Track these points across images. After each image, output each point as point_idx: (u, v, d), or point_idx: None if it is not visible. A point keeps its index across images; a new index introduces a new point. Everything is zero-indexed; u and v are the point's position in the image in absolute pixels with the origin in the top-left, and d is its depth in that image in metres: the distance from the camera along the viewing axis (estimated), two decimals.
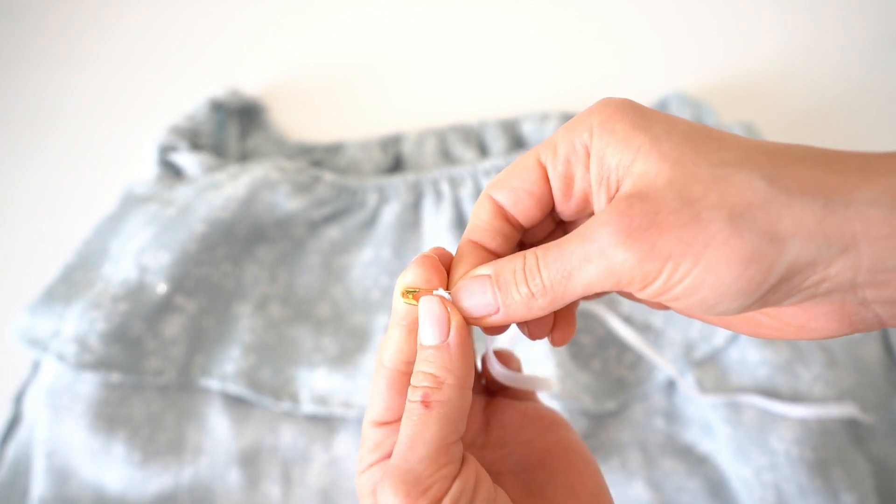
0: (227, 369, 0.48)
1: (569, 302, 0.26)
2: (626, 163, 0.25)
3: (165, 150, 0.56)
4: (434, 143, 0.60)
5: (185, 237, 0.48)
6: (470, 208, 0.54)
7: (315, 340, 0.50)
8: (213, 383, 0.48)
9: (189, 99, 0.62)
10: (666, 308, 0.28)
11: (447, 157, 0.60)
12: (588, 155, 0.26)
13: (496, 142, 0.60)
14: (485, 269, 0.27)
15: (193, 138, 0.58)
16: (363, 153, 0.60)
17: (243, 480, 0.47)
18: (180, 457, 0.47)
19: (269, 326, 0.50)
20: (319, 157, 0.61)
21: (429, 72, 0.68)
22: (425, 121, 0.63)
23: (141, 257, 0.48)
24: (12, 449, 0.49)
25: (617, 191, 0.26)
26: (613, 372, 0.48)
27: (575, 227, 0.27)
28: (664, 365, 0.47)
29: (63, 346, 0.46)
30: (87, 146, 0.65)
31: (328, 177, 0.55)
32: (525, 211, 0.28)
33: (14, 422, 0.51)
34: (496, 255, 0.28)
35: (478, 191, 0.55)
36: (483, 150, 0.61)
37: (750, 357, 0.47)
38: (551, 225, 0.30)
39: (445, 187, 0.55)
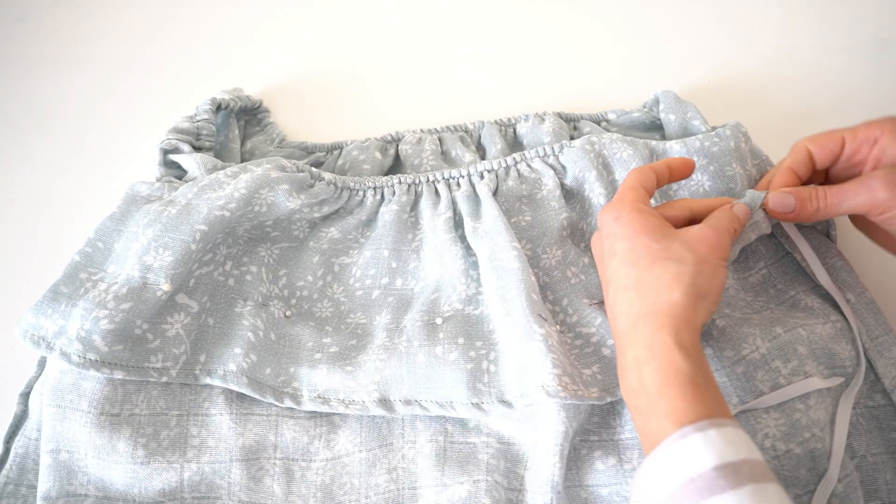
0: (229, 368, 0.49)
1: (833, 216, 0.49)
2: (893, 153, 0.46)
3: (167, 151, 0.57)
4: (432, 144, 0.61)
5: (186, 236, 0.49)
6: (466, 209, 0.54)
7: (316, 339, 0.51)
8: (215, 381, 0.49)
9: (190, 100, 0.62)
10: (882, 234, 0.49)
11: (446, 157, 0.61)
12: (874, 143, 0.48)
13: (494, 143, 0.60)
14: (788, 189, 0.48)
15: (195, 139, 0.58)
16: (363, 153, 0.60)
17: (245, 477, 0.48)
18: (183, 454, 0.48)
19: (270, 325, 0.51)
20: (320, 158, 0.62)
21: (427, 73, 0.68)
22: (424, 121, 0.64)
23: (144, 257, 0.49)
24: (20, 445, 0.50)
25: (877, 165, 0.47)
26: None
27: (835, 180, 0.50)
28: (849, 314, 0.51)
29: (67, 344, 0.46)
30: (88, 146, 0.66)
31: (328, 176, 0.56)
32: (823, 158, 0.49)
33: (21, 419, 0.51)
34: (799, 178, 0.50)
35: (473, 192, 0.56)
36: (481, 151, 0.62)
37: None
38: (822, 177, 0.52)
39: (443, 188, 0.56)
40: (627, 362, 0.41)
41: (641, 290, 0.42)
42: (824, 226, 0.55)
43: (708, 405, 0.38)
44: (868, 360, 0.51)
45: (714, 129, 0.58)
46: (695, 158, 0.55)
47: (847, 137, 0.48)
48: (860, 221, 0.52)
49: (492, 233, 0.52)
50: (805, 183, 0.51)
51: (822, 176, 0.52)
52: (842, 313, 0.52)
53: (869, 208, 0.46)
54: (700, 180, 0.55)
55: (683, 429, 0.37)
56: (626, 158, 0.55)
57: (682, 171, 0.49)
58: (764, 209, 0.50)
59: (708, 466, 0.35)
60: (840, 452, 0.46)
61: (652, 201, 0.53)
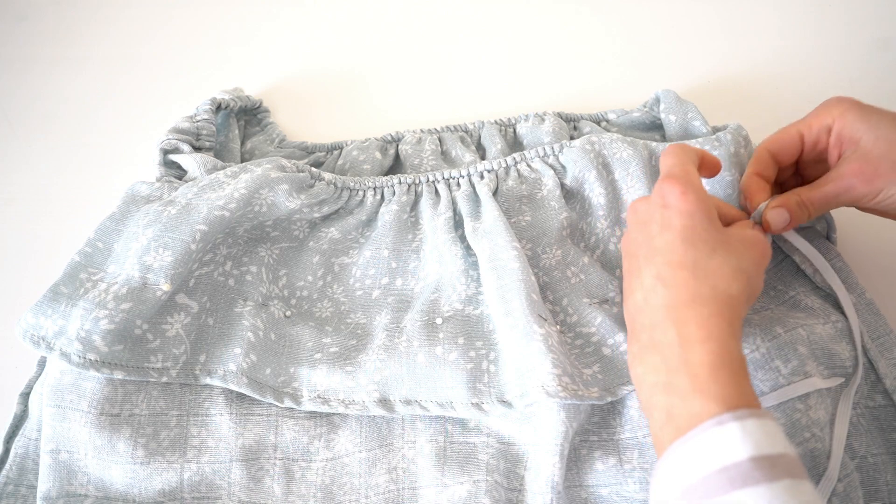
0: (229, 368, 0.49)
1: (824, 213, 0.50)
2: (855, 138, 0.47)
3: (167, 151, 0.57)
4: (432, 144, 0.61)
5: (186, 236, 0.49)
6: (466, 209, 0.55)
7: (316, 339, 0.51)
8: (215, 381, 0.49)
9: (190, 100, 0.62)
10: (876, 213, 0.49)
11: (446, 157, 0.61)
12: (829, 131, 0.48)
13: (494, 143, 0.60)
14: (777, 202, 0.48)
15: (195, 139, 0.58)
16: (363, 153, 0.60)
17: (245, 478, 0.48)
18: (183, 454, 0.48)
19: (270, 325, 0.51)
20: (320, 158, 0.62)
21: (427, 73, 0.68)
22: (424, 121, 0.64)
23: (143, 257, 0.49)
24: (20, 445, 0.50)
25: (840, 152, 0.48)
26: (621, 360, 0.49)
27: (808, 168, 0.52)
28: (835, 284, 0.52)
29: (67, 345, 0.46)
30: (88, 147, 0.66)
31: (328, 176, 0.56)
32: (784, 157, 0.51)
33: (21, 419, 0.51)
34: (768, 182, 0.50)
35: (473, 192, 0.56)
36: (481, 151, 0.62)
37: None
38: (792, 169, 0.53)
39: (443, 188, 0.56)
40: (666, 337, 0.39)
41: (700, 272, 0.40)
42: (824, 227, 0.55)
43: (750, 397, 0.37)
44: (869, 361, 0.51)
45: (715, 130, 0.58)
46: None
47: (804, 131, 0.50)
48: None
49: (492, 233, 0.52)
50: (779, 185, 0.52)
51: (791, 169, 0.53)
52: (843, 313, 0.52)
53: (853, 203, 0.48)
54: None
55: (721, 416, 0.36)
56: (626, 158, 0.55)
57: (711, 169, 0.48)
58: (763, 223, 0.50)
59: (744, 456, 0.34)
60: (839, 452, 0.46)
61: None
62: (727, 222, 0.47)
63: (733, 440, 0.35)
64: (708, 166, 0.48)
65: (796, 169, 0.53)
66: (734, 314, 0.40)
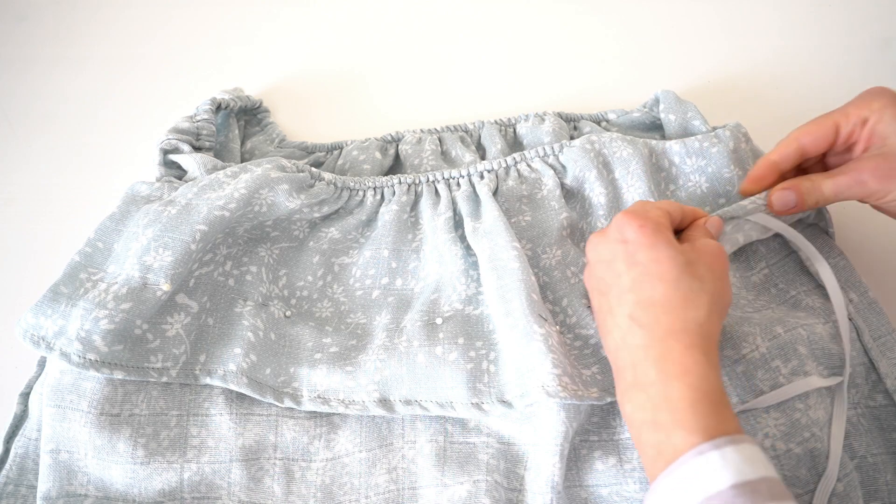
0: (229, 368, 0.49)
1: (830, 203, 0.50)
2: (885, 135, 0.47)
3: (167, 151, 0.57)
4: (432, 144, 0.61)
5: (186, 236, 0.49)
6: (466, 209, 0.54)
7: (316, 339, 0.51)
8: (215, 381, 0.49)
9: (190, 100, 0.62)
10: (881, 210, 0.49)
11: (446, 157, 0.61)
12: (864, 124, 0.48)
13: (494, 143, 0.60)
14: (786, 185, 0.50)
15: (195, 139, 0.58)
16: (363, 153, 0.60)
17: (245, 478, 0.48)
18: (183, 454, 0.48)
19: (270, 325, 0.51)
20: (320, 158, 0.62)
21: (428, 73, 0.68)
22: (424, 121, 0.64)
23: (143, 257, 0.49)
24: (20, 445, 0.50)
25: (867, 148, 0.48)
26: None
27: (831, 159, 0.52)
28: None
29: (67, 345, 0.46)
30: (88, 146, 0.66)
31: (328, 176, 0.56)
32: (817, 147, 0.50)
33: (21, 419, 0.51)
34: (780, 170, 0.51)
35: (473, 192, 0.56)
36: (481, 151, 0.62)
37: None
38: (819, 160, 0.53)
39: (443, 188, 0.56)
40: (647, 376, 0.41)
41: (669, 306, 0.41)
42: (823, 224, 0.55)
43: (730, 424, 0.38)
44: (870, 361, 0.51)
45: (714, 129, 0.58)
46: (694, 159, 0.55)
47: (841, 122, 0.49)
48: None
49: (492, 233, 0.52)
50: (802, 169, 0.52)
51: (818, 159, 0.53)
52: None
53: (863, 198, 0.48)
54: (698, 181, 0.55)
55: (700, 446, 0.37)
56: (626, 157, 0.55)
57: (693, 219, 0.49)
58: (767, 209, 0.51)
59: (726, 485, 0.35)
60: (838, 451, 0.46)
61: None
62: (685, 226, 0.48)
63: (714, 469, 0.36)
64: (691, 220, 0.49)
65: (822, 157, 0.53)
66: (708, 341, 0.41)
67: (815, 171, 0.52)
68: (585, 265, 0.49)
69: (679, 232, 0.48)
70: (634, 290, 0.43)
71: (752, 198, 0.51)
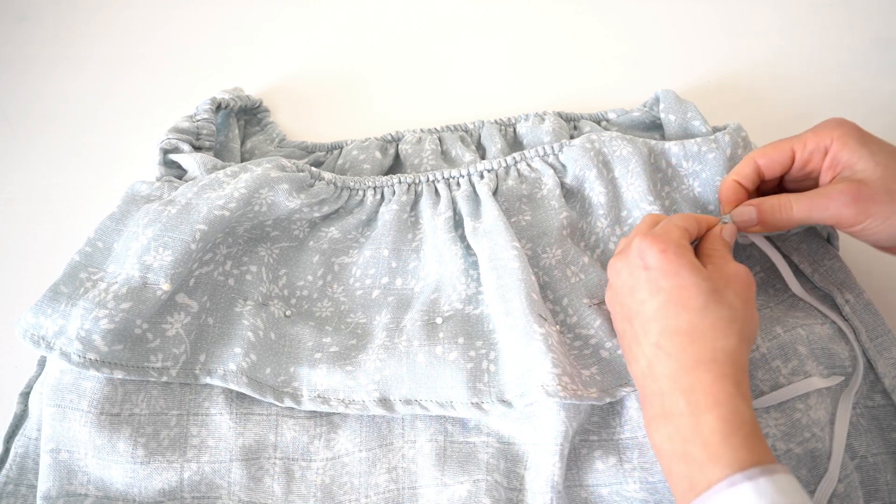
0: (229, 367, 0.49)
1: (801, 225, 0.49)
2: (853, 162, 0.46)
3: (167, 150, 0.57)
4: (432, 144, 0.61)
5: (186, 236, 0.49)
6: (466, 209, 0.55)
7: (316, 339, 0.51)
8: (215, 381, 0.49)
9: (190, 100, 0.62)
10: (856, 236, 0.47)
11: (446, 157, 0.61)
12: (825, 153, 0.47)
13: (494, 142, 0.60)
14: (751, 202, 0.48)
15: (195, 139, 0.58)
16: (363, 153, 0.60)
17: (245, 477, 0.48)
18: (183, 454, 0.48)
19: (270, 325, 0.51)
20: (320, 158, 0.62)
21: (427, 73, 0.68)
22: (424, 121, 0.64)
23: (143, 256, 0.49)
24: (20, 445, 0.50)
25: (835, 176, 0.47)
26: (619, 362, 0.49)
27: (792, 185, 0.51)
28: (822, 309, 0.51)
29: (67, 344, 0.46)
30: (88, 146, 0.66)
31: (328, 176, 0.56)
32: (772, 171, 0.49)
33: (21, 419, 0.51)
34: (746, 190, 0.49)
35: (473, 192, 0.56)
36: (481, 151, 0.62)
37: None
38: (775, 183, 0.51)
39: (443, 188, 0.56)
40: (676, 406, 0.40)
41: (696, 335, 0.40)
42: (825, 230, 0.55)
43: (764, 456, 0.37)
44: (868, 361, 0.51)
45: (715, 130, 0.58)
46: (690, 162, 0.55)
47: (797, 149, 0.48)
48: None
49: (492, 232, 0.52)
50: (758, 191, 0.51)
51: (775, 183, 0.52)
52: (840, 314, 0.52)
53: (836, 223, 0.47)
54: (691, 185, 0.55)
55: (733, 476, 0.36)
56: (626, 156, 0.55)
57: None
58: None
59: None
60: (840, 452, 0.46)
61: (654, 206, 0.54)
62: (701, 235, 0.47)
63: (747, 501, 0.35)
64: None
65: (779, 183, 0.52)
66: (738, 370, 0.40)
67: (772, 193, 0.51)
68: (608, 285, 0.48)
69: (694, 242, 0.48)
70: (659, 319, 0.42)
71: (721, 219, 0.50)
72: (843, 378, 0.49)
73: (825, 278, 0.53)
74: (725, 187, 0.50)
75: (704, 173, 0.55)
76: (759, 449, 0.38)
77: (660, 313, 0.42)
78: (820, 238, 0.55)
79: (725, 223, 0.48)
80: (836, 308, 0.52)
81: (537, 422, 0.47)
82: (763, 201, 0.48)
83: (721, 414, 0.38)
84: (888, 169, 0.45)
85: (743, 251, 0.55)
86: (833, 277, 0.53)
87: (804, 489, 0.38)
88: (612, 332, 0.50)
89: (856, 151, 0.46)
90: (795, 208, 0.47)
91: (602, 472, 0.47)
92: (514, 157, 0.57)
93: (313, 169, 0.56)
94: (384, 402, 0.48)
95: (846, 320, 0.52)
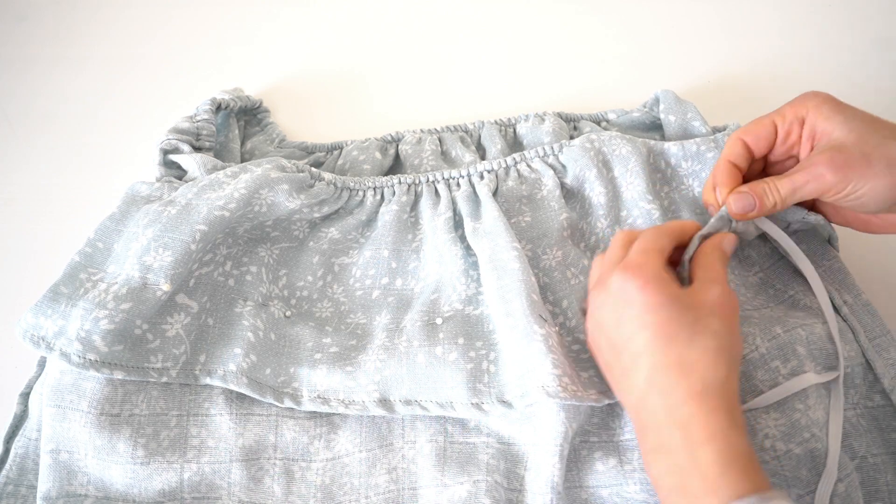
0: (229, 368, 0.49)
1: (790, 205, 0.48)
2: (829, 130, 0.47)
3: (167, 151, 0.57)
4: (432, 144, 0.61)
5: (186, 236, 0.49)
6: (466, 209, 0.54)
7: (316, 340, 0.51)
8: (215, 382, 0.49)
9: (190, 100, 0.62)
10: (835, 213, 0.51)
11: (446, 157, 0.61)
12: (803, 123, 0.48)
13: (494, 143, 0.60)
14: (744, 188, 0.48)
15: (195, 139, 0.58)
16: (363, 153, 0.60)
17: (245, 478, 0.48)
18: (183, 454, 0.48)
19: (270, 325, 0.51)
20: (320, 158, 0.62)
21: (427, 73, 0.68)
22: (424, 121, 0.64)
23: (143, 257, 0.49)
24: (20, 445, 0.50)
25: (813, 145, 0.48)
26: None
27: (776, 166, 0.51)
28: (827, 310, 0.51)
29: (67, 345, 0.46)
30: (88, 146, 0.66)
31: (328, 176, 0.56)
32: (759, 147, 0.50)
33: (21, 419, 0.51)
34: (741, 170, 0.50)
35: (473, 193, 0.56)
36: (481, 151, 0.62)
37: None
38: (761, 165, 0.52)
39: (443, 188, 0.56)
40: (672, 441, 0.40)
41: (686, 368, 0.40)
42: (826, 231, 0.55)
43: (758, 482, 0.38)
44: (867, 361, 0.51)
45: (715, 130, 0.58)
46: (689, 162, 0.55)
47: (777, 121, 0.49)
48: (820, 207, 0.52)
49: (492, 233, 0.52)
50: (744, 178, 0.51)
51: (761, 163, 0.52)
52: (838, 313, 0.52)
53: (821, 193, 0.47)
54: (690, 185, 0.55)
55: None
56: (625, 155, 0.55)
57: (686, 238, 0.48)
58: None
59: None
60: (837, 447, 0.46)
61: (652, 204, 0.53)
62: (684, 242, 0.47)
63: None
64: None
65: (764, 165, 0.52)
66: (729, 400, 0.40)
67: (756, 179, 0.51)
68: (587, 315, 0.47)
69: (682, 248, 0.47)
70: (648, 354, 0.41)
71: (720, 212, 0.49)
72: (837, 373, 0.49)
73: (824, 279, 0.53)
74: (721, 170, 0.50)
75: (704, 173, 0.55)
76: (755, 477, 0.38)
77: (648, 349, 0.41)
78: (819, 239, 0.55)
79: (716, 233, 0.48)
80: (834, 308, 0.52)
81: (537, 422, 0.47)
82: (754, 186, 0.48)
83: (717, 447, 0.38)
84: (862, 134, 0.46)
85: (741, 251, 0.55)
86: (832, 278, 0.53)
87: None
88: None
89: (830, 119, 0.47)
90: (781, 188, 0.47)
91: (602, 474, 0.47)
92: (514, 158, 0.57)
93: (313, 169, 0.56)
94: (384, 402, 0.48)
95: (845, 321, 0.52)
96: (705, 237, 0.48)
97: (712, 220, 0.49)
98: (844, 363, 0.50)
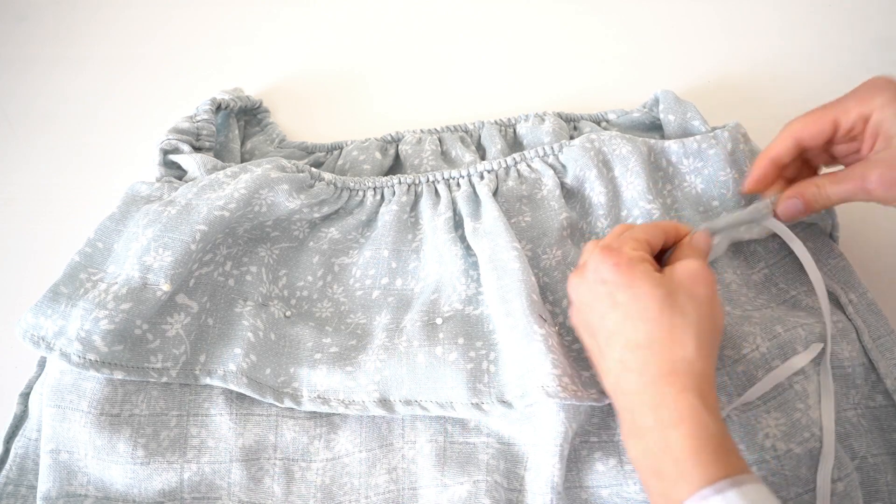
0: (228, 368, 0.49)
1: (836, 205, 0.49)
2: (891, 134, 0.45)
3: (167, 151, 0.57)
4: (432, 144, 0.61)
5: (186, 237, 0.49)
6: (466, 209, 0.54)
7: (316, 340, 0.51)
8: (215, 382, 0.49)
9: (190, 100, 0.62)
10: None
11: (446, 157, 0.61)
12: (867, 120, 0.46)
13: (494, 143, 0.60)
14: (793, 192, 0.48)
15: (195, 139, 0.58)
16: (363, 153, 0.60)
17: (245, 478, 0.48)
18: (183, 454, 0.48)
19: (270, 325, 0.51)
20: (320, 158, 0.62)
21: (428, 73, 0.68)
22: (424, 122, 0.64)
23: (143, 257, 0.49)
24: (20, 446, 0.50)
25: (874, 145, 0.46)
26: None
27: (839, 153, 0.49)
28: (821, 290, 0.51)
29: (67, 345, 0.46)
30: (88, 146, 0.66)
31: (328, 176, 0.56)
32: (815, 142, 0.48)
33: (21, 419, 0.51)
34: (782, 164, 0.49)
35: (473, 193, 0.56)
36: (481, 151, 0.62)
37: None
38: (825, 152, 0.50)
39: (443, 188, 0.56)
40: (645, 423, 0.39)
41: (656, 347, 0.40)
42: (827, 225, 0.55)
43: (731, 465, 0.37)
44: (870, 361, 0.51)
45: (714, 129, 0.58)
46: (691, 160, 0.55)
47: (840, 118, 0.47)
48: None
49: (492, 233, 0.52)
50: (803, 160, 0.51)
51: (823, 149, 0.50)
52: (843, 312, 0.52)
53: (866, 199, 0.47)
54: (693, 182, 0.55)
55: (702, 490, 0.36)
56: (625, 154, 0.55)
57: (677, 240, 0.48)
58: (774, 213, 0.50)
59: None
60: (831, 427, 0.46)
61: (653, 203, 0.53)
62: (671, 244, 0.47)
63: None
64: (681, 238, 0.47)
65: (825, 147, 0.50)
66: (700, 380, 0.39)
67: (818, 161, 0.51)
68: (569, 303, 0.47)
69: (666, 252, 0.47)
70: (619, 333, 0.41)
71: (755, 205, 0.50)
72: (822, 345, 0.49)
73: (829, 277, 0.53)
74: (760, 165, 0.49)
75: (706, 170, 0.55)
76: (728, 460, 0.37)
77: (620, 327, 0.41)
78: (823, 236, 0.55)
79: (767, 210, 0.49)
80: (839, 307, 0.52)
81: (537, 422, 0.47)
82: (804, 191, 0.48)
83: (687, 430, 0.38)
84: None
85: (747, 246, 0.55)
86: (837, 277, 0.53)
87: (775, 496, 0.38)
88: None
89: (895, 122, 0.45)
90: (832, 193, 0.47)
91: (602, 474, 0.47)
92: (514, 158, 0.57)
93: (313, 169, 0.56)
94: (384, 402, 0.48)
95: (849, 320, 0.52)
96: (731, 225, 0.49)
97: (741, 212, 0.49)
98: (846, 363, 0.50)
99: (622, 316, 0.41)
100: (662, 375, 0.39)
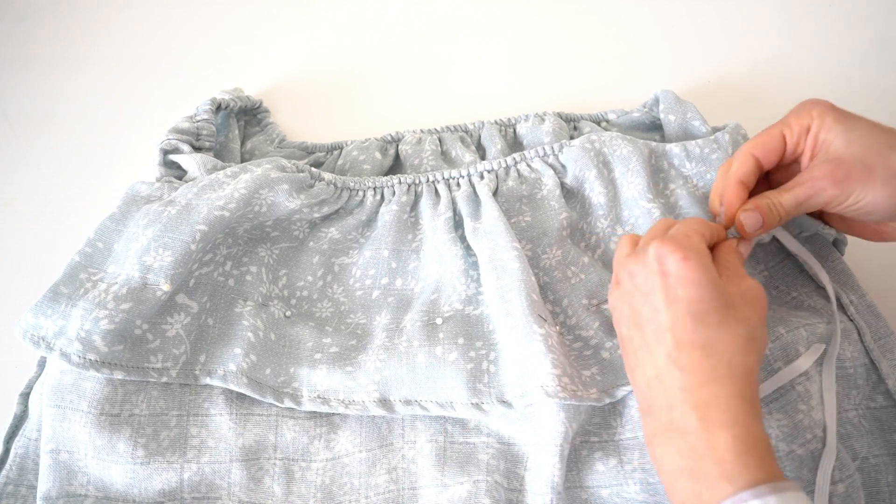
0: (229, 368, 0.49)
1: (793, 217, 0.48)
2: (829, 140, 0.46)
3: (167, 151, 0.57)
4: (432, 144, 0.61)
5: (186, 237, 0.49)
6: (466, 209, 0.54)
7: (316, 340, 0.51)
8: (215, 382, 0.49)
9: (190, 100, 0.62)
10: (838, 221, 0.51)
11: (446, 157, 0.61)
12: (808, 132, 0.48)
13: (494, 143, 0.60)
14: (749, 205, 0.47)
15: (195, 139, 0.58)
16: (363, 153, 0.60)
17: (245, 478, 0.48)
18: (183, 454, 0.48)
19: (270, 325, 0.51)
20: (320, 158, 0.62)
21: (428, 73, 0.68)
22: (424, 122, 0.64)
23: (143, 257, 0.49)
24: (20, 445, 0.50)
25: (813, 154, 0.47)
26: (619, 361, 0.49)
27: (779, 172, 0.50)
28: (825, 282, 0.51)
29: (67, 345, 0.46)
30: (88, 146, 0.66)
31: (328, 176, 0.56)
32: (769, 161, 0.49)
33: (21, 419, 0.51)
34: (749, 186, 0.49)
35: (473, 193, 0.56)
36: (481, 151, 0.62)
37: None
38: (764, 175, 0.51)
39: (443, 188, 0.56)
40: (687, 422, 0.39)
41: (712, 350, 0.40)
42: (831, 234, 0.55)
43: (772, 471, 0.37)
44: (871, 362, 0.51)
45: (714, 130, 0.58)
46: (693, 163, 0.55)
47: (786, 133, 0.48)
48: (829, 218, 0.52)
49: (492, 233, 0.52)
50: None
51: (763, 177, 0.51)
52: (845, 313, 0.52)
53: (823, 205, 0.46)
54: (696, 186, 0.56)
55: (741, 493, 0.36)
56: (626, 155, 0.55)
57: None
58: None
59: None
60: (833, 424, 0.46)
61: (650, 206, 0.53)
62: (713, 243, 0.47)
63: None
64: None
65: (767, 174, 0.51)
66: (751, 388, 0.39)
67: (760, 189, 0.50)
68: (612, 285, 0.47)
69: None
70: (674, 329, 0.40)
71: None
72: (824, 346, 0.49)
73: (829, 278, 0.53)
74: (732, 190, 0.49)
75: (709, 174, 0.55)
76: (771, 467, 0.38)
77: (675, 324, 0.40)
78: (824, 240, 0.55)
79: (734, 237, 0.48)
80: (841, 308, 0.52)
81: (537, 422, 0.47)
82: (759, 203, 0.47)
83: (736, 433, 0.38)
84: (864, 145, 0.45)
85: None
86: (837, 278, 0.53)
87: (810, 501, 0.37)
88: (612, 333, 0.49)
89: (832, 129, 0.46)
90: (785, 203, 0.47)
91: (602, 474, 0.47)
92: (514, 158, 0.57)
93: (313, 169, 0.56)
94: (384, 402, 0.48)
95: (851, 320, 0.52)
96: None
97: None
98: (847, 364, 0.50)
99: (681, 313, 0.41)
100: (715, 378, 0.39)
